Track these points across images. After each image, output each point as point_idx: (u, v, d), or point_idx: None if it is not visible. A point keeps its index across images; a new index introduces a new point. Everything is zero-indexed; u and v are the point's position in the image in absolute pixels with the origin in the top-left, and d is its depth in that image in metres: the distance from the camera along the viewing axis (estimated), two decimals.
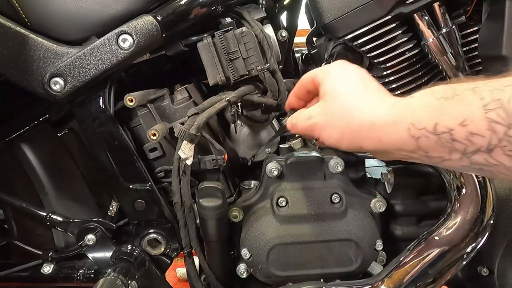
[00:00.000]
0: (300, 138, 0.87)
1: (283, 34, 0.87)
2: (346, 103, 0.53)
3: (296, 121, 0.61)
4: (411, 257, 0.75)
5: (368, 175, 0.93)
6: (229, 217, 0.82)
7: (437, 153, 0.42)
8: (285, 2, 1.01)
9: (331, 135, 0.55)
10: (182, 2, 0.75)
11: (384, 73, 0.80)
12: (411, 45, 0.78)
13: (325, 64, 0.86)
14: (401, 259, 0.76)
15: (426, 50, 0.77)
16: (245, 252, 0.80)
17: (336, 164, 0.82)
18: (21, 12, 0.73)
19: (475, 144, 0.39)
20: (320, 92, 0.59)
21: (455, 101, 0.40)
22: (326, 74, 0.58)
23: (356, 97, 0.53)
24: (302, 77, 0.64)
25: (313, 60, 0.96)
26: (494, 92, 0.38)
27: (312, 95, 0.64)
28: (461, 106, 0.39)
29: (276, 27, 0.92)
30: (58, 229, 0.93)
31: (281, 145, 0.87)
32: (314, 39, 0.93)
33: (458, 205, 0.73)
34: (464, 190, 0.73)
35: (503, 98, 0.36)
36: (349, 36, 0.77)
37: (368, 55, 0.79)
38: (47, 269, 0.93)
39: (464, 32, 0.79)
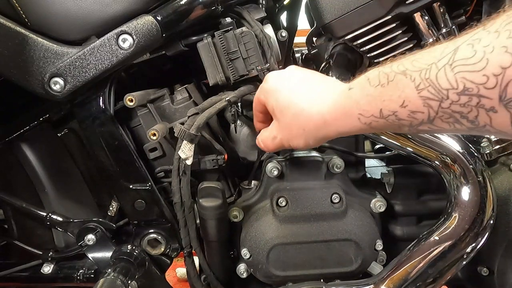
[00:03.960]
0: None
1: (283, 34, 0.87)
2: (293, 111, 0.59)
3: (264, 144, 0.68)
4: (411, 257, 0.75)
5: (368, 175, 0.93)
6: (229, 217, 0.82)
7: (390, 129, 0.51)
8: (285, 2, 1.01)
9: (298, 143, 0.62)
10: (182, 2, 0.75)
11: None
12: (411, 45, 0.78)
13: (325, 64, 0.86)
14: (401, 259, 0.76)
15: None
16: (245, 252, 0.80)
17: (336, 164, 0.82)
18: (21, 12, 0.73)
19: (418, 119, 0.44)
20: (269, 111, 0.65)
21: (391, 86, 0.46)
22: (266, 93, 0.65)
23: (300, 101, 0.59)
24: (253, 104, 0.70)
25: (313, 60, 0.96)
26: (422, 72, 0.42)
27: (269, 114, 0.68)
28: (397, 90, 0.45)
29: (276, 27, 0.92)
30: (58, 229, 0.93)
31: None
32: (314, 39, 0.93)
33: (458, 205, 0.73)
34: (464, 190, 0.73)
35: (430, 77, 0.41)
36: (349, 36, 0.77)
37: (368, 55, 0.79)
38: (47, 269, 0.93)
39: None
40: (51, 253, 0.93)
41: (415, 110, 0.44)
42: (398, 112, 0.45)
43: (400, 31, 0.77)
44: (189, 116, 0.76)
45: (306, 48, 0.97)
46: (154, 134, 0.76)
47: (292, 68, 0.65)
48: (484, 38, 0.37)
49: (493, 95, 0.37)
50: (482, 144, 0.80)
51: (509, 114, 0.37)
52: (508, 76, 0.35)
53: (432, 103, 0.42)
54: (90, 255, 0.90)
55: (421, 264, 0.74)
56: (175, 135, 0.74)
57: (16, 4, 0.72)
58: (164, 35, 0.74)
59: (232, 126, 0.85)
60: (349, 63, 0.83)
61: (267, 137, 0.67)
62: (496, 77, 0.36)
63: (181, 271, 1.92)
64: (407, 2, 0.74)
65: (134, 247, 0.87)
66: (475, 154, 0.74)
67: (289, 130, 0.62)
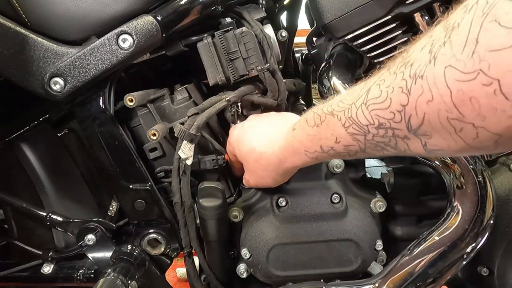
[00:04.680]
0: None
1: (283, 34, 0.87)
2: (254, 157, 0.71)
3: (247, 185, 0.81)
4: (411, 257, 0.75)
5: (368, 175, 0.93)
6: (229, 217, 0.82)
7: (335, 158, 0.66)
8: (285, 2, 1.01)
9: (267, 182, 0.75)
10: (182, 2, 0.75)
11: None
12: None
13: (325, 64, 0.86)
14: (401, 259, 0.76)
15: None
16: (245, 252, 0.80)
17: (336, 164, 0.82)
18: (21, 12, 0.73)
19: (352, 150, 0.52)
20: (239, 160, 0.77)
21: (324, 126, 0.54)
22: (231, 145, 0.77)
23: (257, 147, 0.70)
24: (228, 155, 0.81)
25: (313, 60, 0.96)
26: (345, 112, 0.49)
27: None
28: (329, 129, 0.53)
29: (276, 27, 0.92)
30: (58, 229, 0.93)
31: None
32: (314, 39, 0.93)
33: (458, 205, 0.73)
34: (464, 190, 0.73)
35: (352, 115, 0.48)
36: (349, 36, 0.77)
37: (368, 55, 0.79)
38: (47, 269, 0.93)
39: None
40: (51, 253, 0.93)
41: (347, 144, 0.51)
42: (335, 147, 0.53)
43: (400, 31, 0.77)
44: (189, 116, 0.76)
45: (306, 48, 0.97)
46: (154, 134, 0.76)
47: (251, 117, 0.79)
48: (387, 79, 0.43)
49: (402, 126, 0.42)
50: None
51: (419, 140, 0.42)
52: (408, 112, 0.40)
53: (359, 137, 0.48)
54: (90, 255, 0.90)
55: (421, 264, 0.74)
56: (175, 135, 0.74)
57: (16, 4, 0.72)
58: (164, 35, 0.74)
59: (232, 126, 0.85)
60: (349, 63, 0.83)
61: (245, 180, 0.80)
62: (400, 113, 0.41)
63: (181, 271, 1.92)
64: (407, 2, 0.74)
65: (134, 247, 0.87)
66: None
67: (255, 173, 0.74)
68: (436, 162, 0.75)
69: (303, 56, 1.12)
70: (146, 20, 0.73)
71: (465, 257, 0.73)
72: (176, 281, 1.92)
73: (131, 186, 0.83)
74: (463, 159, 0.72)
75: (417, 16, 0.75)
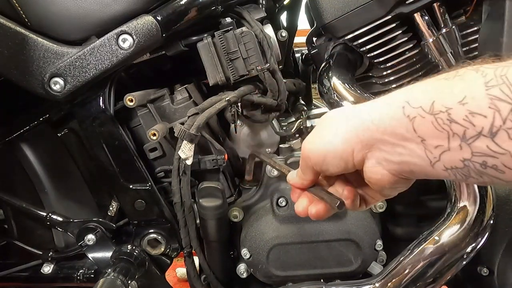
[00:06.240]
0: (300, 138, 0.87)
1: (283, 34, 0.87)
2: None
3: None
4: (411, 257, 0.75)
5: None
6: (229, 217, 0.82)
7: (435, 140, 0.36)
8: (285, 2, 1.01)
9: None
10: (182, 2, 0.75)
11: (384, 73, 0.80)
12: (411, 45, 0.78)
13: (325, 64, 0.86)
14: (401, 259, 0.75)
15: (426, 50, 0.77)
16: (245, 252, 0.80)
17: None
18: (21, 12, 0.73)
19: (476, 126, 0.33)
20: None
21: (456, 80, 0.36)
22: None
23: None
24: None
25: (313, 60, 0.96)
26: (498, 69, 0.33)
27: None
28: (461, 83, 0.35)
29: (276, 27, 0.92)
30: (58, 229, 0.93)
31: (281, 145, 0.87)
32: (314, 39, 0.93)
33: (458, 205, 0.73)
34: (464, 190, 0.73)
35: (507, 74, 0.32)
36: (349, 36, 0.77)
37: (368, 55, 0.79)
38: (47, 269, 0.93)
39: (464, 32, 0.79)
40: (51, 253, 0.93)
41: (476, 111, 0.33)
42: (453, 110, 0.34)
43: (400, 31, 0.77)
44: (189, 116, 0.76)
45: (306, 48, 0.97)
46: (154, 134, 0.76)
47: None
48: None
49: None
50: None
51: None
52: None
53: (501, 106, 0.32)
54: (90, 255, 0.90)
55: (421, 264, 0.74)
56: (175, 135, 0.74)
57: (16, 4, 0.72)
58: (164, 35, 0.74)
59: (232, 126, 0.85)
60: (349, 63, 0.83)
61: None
62: None
63: (181, 271, 1.92)
64: (407, 2, 0.74)
65: (134, 247, 0.87)
66: None
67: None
68: None
69: (303, 56, 1.12)
70: (146, 20, 0.73)
71: (465, 257, 0.73)
72: (176, 281, 1.92)
73: (131, 186, 0.83)
74: None
75: (417, 16, 0.75)
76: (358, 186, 0.50)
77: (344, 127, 0.43)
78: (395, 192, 0.49)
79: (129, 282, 0.81)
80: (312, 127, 0.90)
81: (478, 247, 0.73)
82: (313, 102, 1.17)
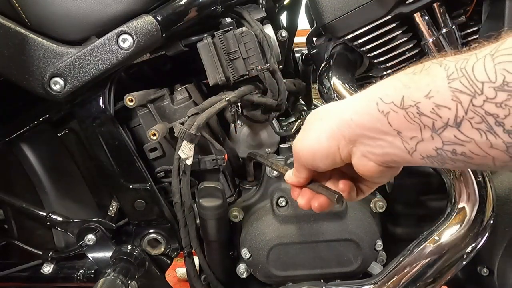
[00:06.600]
0: None
1: (283, 34, 0.87)
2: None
3: None
4: (411, 257, 0.75)
5: None
6: (229, 217, 0.82)
7: (409, 132, 0.40)
8: (285, 2, 1.01)
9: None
10: (182, 2, 0.75)
11: (384, 73, 0.80)
12: (411, 45, 0.78)
13: (325, 64, 0.86)
14: (401, 259, 0.76)
15: (426, 50, 0.77)
16: (245, 252, 0.80)
17: None
18: (21, 12, 0.73)
19: (443, 118, 0.36)
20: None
21: (422, 74, 0.39)
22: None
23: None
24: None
25: (313, 60, 0.96)
26: (458, 62, 0.35)
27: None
28: (427, 78, 0.38)
29: (276, 27, 0.92)
30: (58, 229, 0.93)
31: (281, 145, 0.86)
32: (314, 39, 0.93)
33: (458, 205, 0.73)
34: (464, 190, 0.73)
35: (466, 67, 0.34)
36: (349, 36, 0.77)
37: (368, 55, 0.79)
38: (47, 269, 0.93)
39: (464, 32, 0.79)
40: (51, 253, 0.93)
41: (441, 104, 0.36)
42: (421, 104, 0.37)
43: (400, 31, 0.77)
44: (189, 116, 0.76)
45: (306, 48, 0.97)
46: (154, 134, 0.76)
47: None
48: None
49: None
50: None
51: None
52: None
53: (462, 97, 0.34)
54: (90, 255, 0.90)
55: (421, 264, 0.74)
56: (175, 135, 0.74)
57: (16, 4, 0.72)
58: (164, 35, 0.74)
59: (232, 126, 0.85)
60: (349, 63, 0.83)
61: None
62: None
63: (181, 271, 1.92)
64: (407, 2, 0.74)
65: (134, 247, 0.87)
66: None
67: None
68: None
69: (303, 56, 1.12)
70: (146, 20, 0.73)
71: (465, 257, 0.73)
72: (176, 281, 1.92)
73: (131, 186, 0.83)
74: None
75: (417, 16, 0.75)
76: (353, 177, 0.52)
77: (328, 125, 0.46)
78: (387, 179, 0.52)
79: (129, 282, 0.81)
80: None
81: (478, 247, 0.73)
82: (313, 102, 1.17)
